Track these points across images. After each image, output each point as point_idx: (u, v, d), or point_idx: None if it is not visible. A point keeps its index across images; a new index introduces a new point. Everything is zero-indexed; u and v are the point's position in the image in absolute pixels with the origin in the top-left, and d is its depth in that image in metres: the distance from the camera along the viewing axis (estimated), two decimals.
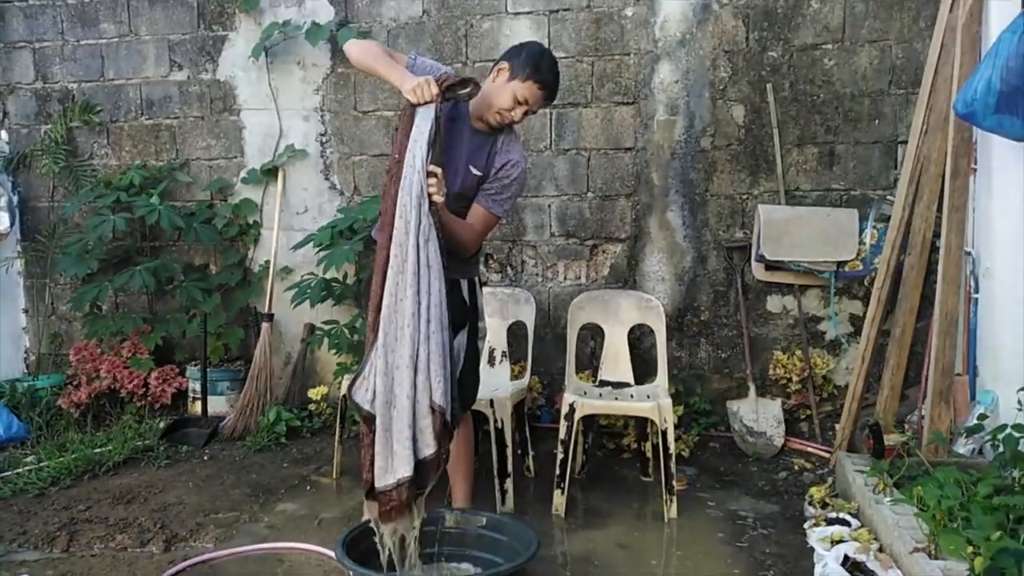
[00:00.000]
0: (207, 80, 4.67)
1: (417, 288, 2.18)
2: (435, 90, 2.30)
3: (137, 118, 4.77)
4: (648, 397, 3.39)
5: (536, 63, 2.49)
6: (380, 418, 2.17)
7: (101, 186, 4.57)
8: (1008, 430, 2.78)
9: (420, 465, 2.17)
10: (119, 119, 4.78)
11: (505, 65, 2.51)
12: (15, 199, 4.80)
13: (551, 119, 4.27)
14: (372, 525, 2.24)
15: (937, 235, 3.43)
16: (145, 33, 4.70)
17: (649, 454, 3.61)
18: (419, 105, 2.29)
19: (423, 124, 2.28)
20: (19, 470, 3.65)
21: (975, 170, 3.38)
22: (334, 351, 4.21)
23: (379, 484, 2.16)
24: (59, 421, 4.29)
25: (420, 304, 2.19)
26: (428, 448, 2.18)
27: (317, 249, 4.19)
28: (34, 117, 4.87)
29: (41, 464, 3.69)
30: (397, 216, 2.20)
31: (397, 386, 2.17)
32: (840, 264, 3.93)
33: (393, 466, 2.15)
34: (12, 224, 4.67)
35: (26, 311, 5.00)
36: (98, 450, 3.85)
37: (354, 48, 2.51)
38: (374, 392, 2.19)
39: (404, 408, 2.16)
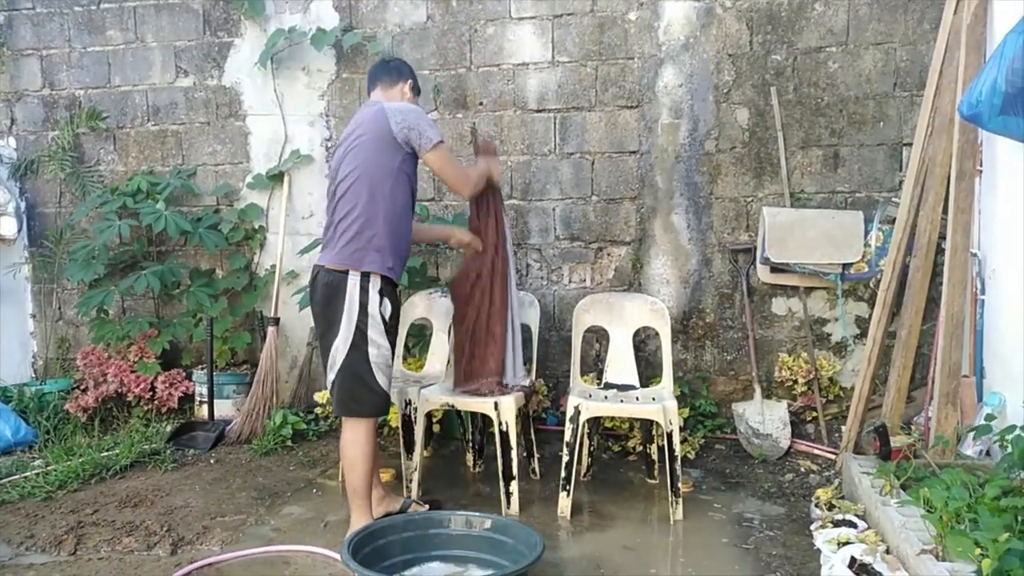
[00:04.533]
0: (213, 86, 4.70)
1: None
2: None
3: (143, 124, 4.80)
4: (653, 399, 3.38)
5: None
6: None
7: (108, 192, 4.60)
8: (1016, 431, 2.76)
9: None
10: (125, 125, 4.82)
11: (410, 84, 3.16)
12: (23, 205, 4.84)
13: (555, 123, 4.28)
14: None
15: (943, 237, 3.42)
16: (151, 40, 4.74)
17: (654, 456, 3.61)
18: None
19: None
20: (27, 474, 3.67)
21: (980, 172, 3.38)
22: None
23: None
24: (66, 425, 4.32)
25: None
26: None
27: None
28: (41, 123, 4.91)
29: (49, 468, 3.71)
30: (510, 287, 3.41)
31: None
32: (845, 266, 3.93)
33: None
34: (20, 229, 4.70)
35: (33, 316, 5.03)
36: (105, 454, 3.86)
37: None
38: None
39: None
